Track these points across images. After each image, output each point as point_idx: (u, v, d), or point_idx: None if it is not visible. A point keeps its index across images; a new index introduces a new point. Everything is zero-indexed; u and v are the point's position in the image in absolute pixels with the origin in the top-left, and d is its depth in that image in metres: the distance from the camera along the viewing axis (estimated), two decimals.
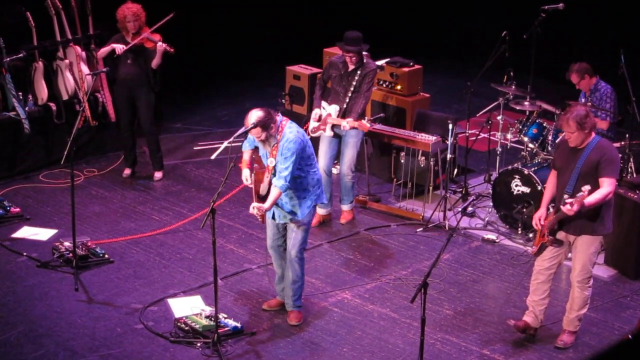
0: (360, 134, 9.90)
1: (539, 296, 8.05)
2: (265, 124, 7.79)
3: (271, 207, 7.87)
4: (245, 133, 7.94)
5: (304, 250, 8.23)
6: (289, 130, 7.89)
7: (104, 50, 10.57)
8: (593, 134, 7.74)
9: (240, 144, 8.35)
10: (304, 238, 8.16)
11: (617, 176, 7.83)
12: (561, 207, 7.62)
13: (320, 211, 9.97)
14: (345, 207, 10.13)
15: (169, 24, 10.46)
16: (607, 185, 7.63)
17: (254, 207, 7.86)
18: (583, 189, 7.47)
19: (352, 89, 9.74)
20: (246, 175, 8.08)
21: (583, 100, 10.39)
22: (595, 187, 7.62)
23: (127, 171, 11.05)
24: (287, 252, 8.21)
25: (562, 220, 7.76)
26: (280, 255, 8.30)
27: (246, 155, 8.17)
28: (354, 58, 9.68)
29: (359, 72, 9.71)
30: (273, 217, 8.11)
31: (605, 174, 7.64)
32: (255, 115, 7.80)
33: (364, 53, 9.84)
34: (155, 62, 10.53)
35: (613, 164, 7.70)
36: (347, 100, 9.76)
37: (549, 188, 8.05)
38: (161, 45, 10.38)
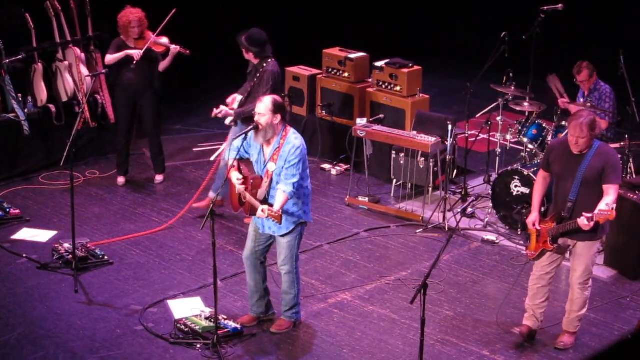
0: (236, 131, 9.80)
1: (540, 300, 8.03)
2: (277, 107, 7.77)
3: (280, 209, 7.71)
4: (245, 134, 7.91)
5: (295, 265, 8.08)
6: (294, 137, 7.84)
7: (115, 57, 10.36)
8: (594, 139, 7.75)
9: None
10: (294, 254, 8.03)
11: (621, 181, 7.81)
12: (578, 220, 7.58)
13: (212, 195, 10.00)
14: (211, 195, 10.05)
15: (169, 25, 10.43)
16: (613, 192, 7.61)
17: (264, 210, 7.66)
18: (607, 207, 7.43)
19: (250, 88, 9.75)
20: (237, 176, 7.91)
21: (582, 100, 10.40)
22: (599, 193, 7.61)
23: (122, 179, 10.91)
24: (278, 268, 8.14)
25: (570, 229, 7.74)
26: (255, 268, 8.16)
27: (233, 162, 7.95)
28: (246, 55, 9.71)
29: (258, 73, 9.70)
30: (258, 228, 8.02)
31: (610, 181, 7.62)
32: (271, 96, 7.86)
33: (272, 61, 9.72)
34: (164, 65, 10.47)
35: (617, 170, 7.70)
36: (246, 95, 9.75)
37: (539, 190, 8.00)
38: (175, 48, 10.32)
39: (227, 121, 9.84)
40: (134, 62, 10.32)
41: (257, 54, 9.67)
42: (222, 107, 9.74)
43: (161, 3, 10.67)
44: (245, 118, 9.66)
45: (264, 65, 9.68)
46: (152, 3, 10.74)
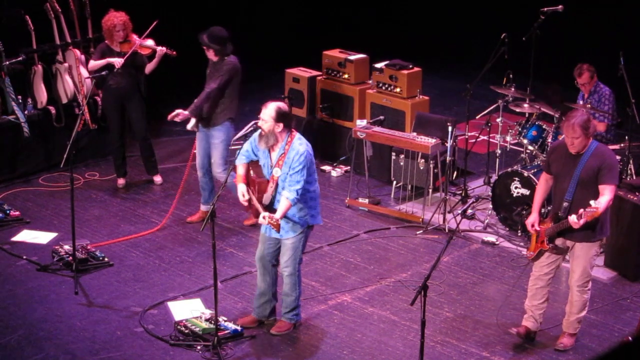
0: (225, 134, 9.72)
1: (539, 300, 8.04)
2: (280, 115, 7.73)
3: (282, 217, 7.72)
4: (245, 136, 7.90)
5: (297, 267, 8.07)
6: (299, 142, 7.80)
7: (96, 65, 10.30)
8: (591, 139, 7.75)
9: (240, 145, 8.29)
10: (297, 256, 8.02)
11: (617, 182, 7.81)
12: (569, 218, 7.59)
13: (203, 208, 10.00)
14: (203, 208, 10.06)
15: (166, 26, 10.42)
16: (608, 193, 7.61)
17: (265, 217, 7.67)
18: (595, 204, 7.45)
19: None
20: (242, 191, 7.90)
21: (581, 102, 10.40)
22: (595, 193, 7.61)
23: (122, 181, 10.92)
24: (280, 269, 8.13)
25: (563, 228, 7.75)
26: (266, 270, 8.14)
27: (240, 170, 7.99)
28: (207, 52, 9.59)
29: (217, 72, 9.60)
30: (265, 231, 8.02)
31: (605, 181, 7.63)
32: (276, 104, 7.78)
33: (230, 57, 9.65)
34: (151, 67, 10.42)
35: (613, 170, 7.69)
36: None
37: (541, 192, 8.02)
38: (162, 50, 10.29)
39: (189, 126, 9.76)
40: (117, 68, 10.28)
41: (218, 52, 9.55)
42: (178, 110, 9.64)
43: (152, 5, 10.65)
44: (205, 121, 9.63)
45: (223, 61, 9.58)
46: (141, 6, 10.73)
